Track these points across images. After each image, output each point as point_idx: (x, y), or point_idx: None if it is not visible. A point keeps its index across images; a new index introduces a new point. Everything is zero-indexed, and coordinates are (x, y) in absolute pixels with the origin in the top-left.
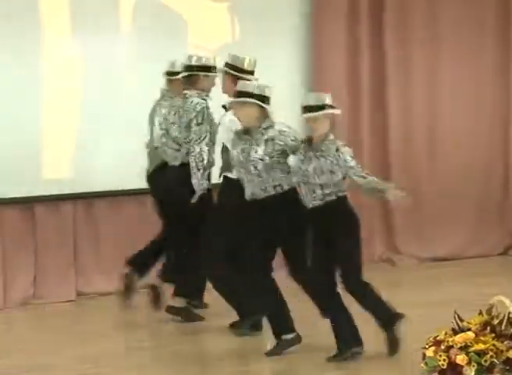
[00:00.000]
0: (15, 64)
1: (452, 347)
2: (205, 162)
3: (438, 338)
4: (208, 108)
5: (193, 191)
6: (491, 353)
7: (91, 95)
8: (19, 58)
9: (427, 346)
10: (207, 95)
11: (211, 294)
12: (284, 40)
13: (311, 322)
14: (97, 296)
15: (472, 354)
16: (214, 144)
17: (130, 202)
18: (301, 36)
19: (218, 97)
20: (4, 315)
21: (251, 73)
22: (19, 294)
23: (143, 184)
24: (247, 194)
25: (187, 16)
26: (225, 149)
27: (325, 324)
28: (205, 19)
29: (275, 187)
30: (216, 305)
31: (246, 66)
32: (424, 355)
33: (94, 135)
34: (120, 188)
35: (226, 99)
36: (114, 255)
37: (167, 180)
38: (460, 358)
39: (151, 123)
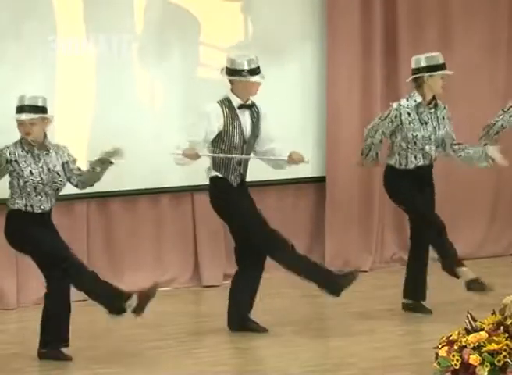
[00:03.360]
0: (27, 65)
1: (465, 347)
2: None
3: (451, 338)
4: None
5: None
6: (504, 353)
7: (104, 95)
8: (32, 59)
9: (440, 346)
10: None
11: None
12: (297, 39)
13: None
14: None
15: (485, 354)
16: None
17: (144, 202)
18: (316, 36)
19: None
20: (17, 314)
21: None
22: (32, 295)
23: (156, 184)
24: None
25: (200, 16)
26: None
27: None
28: (218, 19)
29: None
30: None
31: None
32: (437, 354)
33: (107, 135)
34: (134, 188)
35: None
36: (127, 255)
37: None
38: (474, 359)
39: None
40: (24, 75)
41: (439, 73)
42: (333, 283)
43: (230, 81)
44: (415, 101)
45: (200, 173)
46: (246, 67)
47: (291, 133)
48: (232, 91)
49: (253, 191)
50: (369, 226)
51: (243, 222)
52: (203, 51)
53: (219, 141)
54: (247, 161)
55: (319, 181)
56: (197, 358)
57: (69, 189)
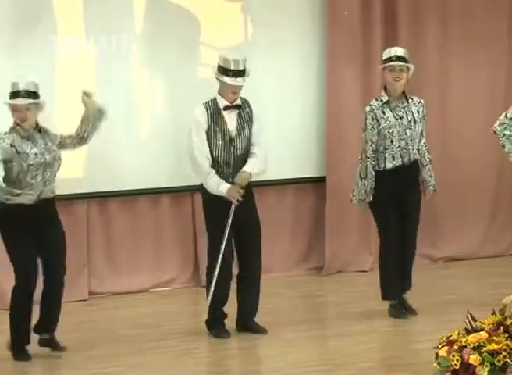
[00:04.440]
0: (28, 65)
1: (465, 347)
2: None
3: (451, 338)
4: None
5: None
6: (504, 353)
7: (104, 96)
8: (33, 60)
9: (440, 346)
10: None
11: None
12: (297, 40)
13: None
14: (110, 296)
15: (485, 354)
16: None
17: (144, 202)
18: (314, 36)
19: None
20: None
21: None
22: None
23: (156, 184)
24: None
25: (200, 16)
26: None
27: None
28: (218, 19)
29: None
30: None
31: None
32: (437, 354)
33: (107, 135)
34: (134, 188)
35: None
36: (127, 254)
37: None
38: (473, 359)
39: None
40: (24, 74)
41: (384, 65)
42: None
43: (217, 80)
44: (382, 100)
45: None
46: (232, 67)
47: (291, 133)
48: (219, 90)
49: (253, 191)
50: (369, 226)
51: (211, 240)
52: (203, 51)
53: (208, 142)
54: (240, 161)
55: (319, 181)
56: (197, 358)
57: (69, 189)
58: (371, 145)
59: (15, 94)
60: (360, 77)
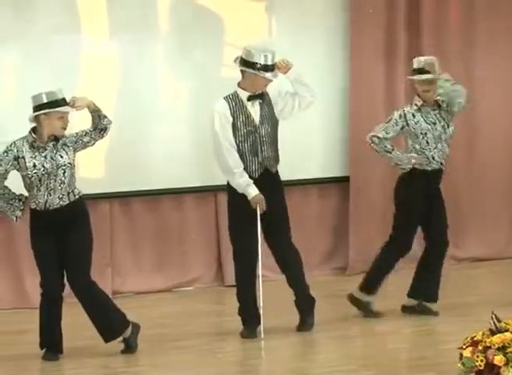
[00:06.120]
0: (53, 64)
1: (489, 347)
2: None
3: (475, 339)
4: None
5: None
6: None
7: (128, 95)
8: (58, 59)
9: (464, 346)
10: None
11: None
12: (321, 39)
13: None
14: (133, 295)
15: (510, 355)
16: None
17: (167, 201)
18: (338, 35)
19: None
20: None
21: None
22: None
23: (179, 183)
24: None
25: (224, 15)
26: None
27: None
28: (242, 18)
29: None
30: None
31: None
32: (461, 355)
33: (131, 135)
34: (157, 187)
35: None
36: (150, 254)
37: None
38: (498, 359)
39: None
40: (50, 75)
41: (411, 77)
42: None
43: (241, 72)
44: (416, 105)
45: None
46: (261, 62)
47: (315, 133)
48: (239, 83)
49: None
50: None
51: (232, 234)
52: (227, 51)
53: (234, 135)
54: (269, 150)
55: (343, 181)
56: (220, 358)
57: (92, 188)
58: (386, 132)
59: (53, 103)
60: (384, 76)
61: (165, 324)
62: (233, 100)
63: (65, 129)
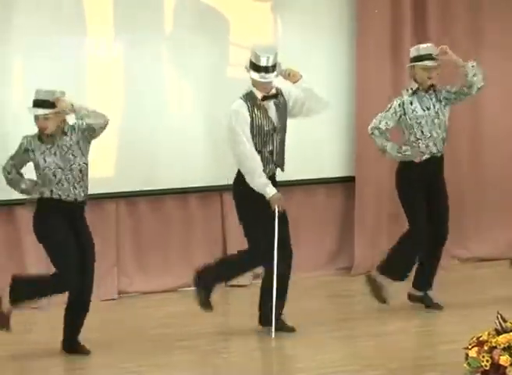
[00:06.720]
0: (58, 64)
1: (495, 347)
2: None
3: (481, 339)
4: None
5: None
6: None
7: (133, 96)
8: (62, 59)
9: (470, 346)
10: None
11: None
12: (327, 39)
13: None
14: (139, 295)
15: None
16: None
17: (173, 201)
18: (344, 35)
19: None
20: (48, 314)
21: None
22: (62, 294)
23: (185, 183)
24: None
25: (229, 16)
26: None
27: None
28: (247, 19)
29: None
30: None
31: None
32: (466, 355)
33: (136, 135)
34: (163, 187)
35: None
36: (156, 254)
37: None
38: (504, 359)
39: None
40: (54, 76)
41: (419, 63)
42: None
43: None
44: (411, 89)
45: (229, 172)
46: (263, 64)
47: (320, 132)
48: (252, 84)
49: (281, 191)
50: (398, 225)
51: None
52: (232, 51)
53: (252, 135)
54: (282, 150)
55: (348, 181)
56: (225, 358)
57: (97, 188)
58: (384, 125)
59: (34, 103)
60: (390, 77)
61: (169, 324)
62: (250, 99)
63: (43, 130)
